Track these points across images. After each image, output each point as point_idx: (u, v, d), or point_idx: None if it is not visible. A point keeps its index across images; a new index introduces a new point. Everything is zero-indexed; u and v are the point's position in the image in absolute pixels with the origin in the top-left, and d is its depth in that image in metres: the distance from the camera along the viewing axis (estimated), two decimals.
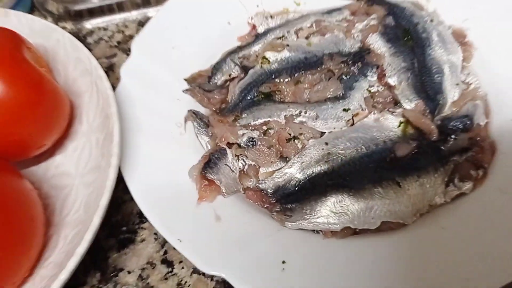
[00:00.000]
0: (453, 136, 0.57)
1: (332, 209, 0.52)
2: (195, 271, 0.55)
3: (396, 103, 0.60)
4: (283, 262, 0.48)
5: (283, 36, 0.67)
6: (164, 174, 0.55)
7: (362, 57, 0.62)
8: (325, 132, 0.58)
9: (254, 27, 0.69)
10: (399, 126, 0.58)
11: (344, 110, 0.59)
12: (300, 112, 0.59)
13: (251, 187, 0.55)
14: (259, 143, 0.57)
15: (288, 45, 0.64)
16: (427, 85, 0.60)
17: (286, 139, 0.57)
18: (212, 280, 0.54)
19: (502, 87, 0.60)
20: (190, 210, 0.52)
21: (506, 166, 0.54)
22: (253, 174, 0.56)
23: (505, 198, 0.52)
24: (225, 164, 0.56)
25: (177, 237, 0.49)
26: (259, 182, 0.55)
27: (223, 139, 0.57)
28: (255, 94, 0.61)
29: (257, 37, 0.68)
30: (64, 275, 0.44)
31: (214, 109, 0.62)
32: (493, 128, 0.59)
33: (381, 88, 0.61)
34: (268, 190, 0.55)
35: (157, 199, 0.52)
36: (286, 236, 0.51)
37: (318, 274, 0.48)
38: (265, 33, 0.68)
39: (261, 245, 0.50)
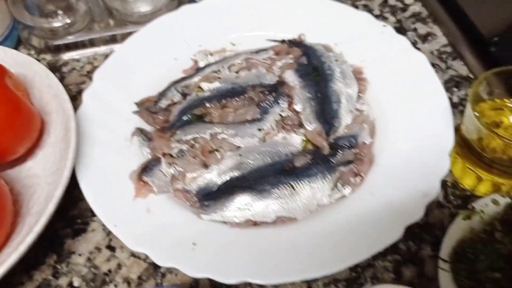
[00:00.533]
0: (340, 151, 0.72)
1: (238, 206, 0.67)
2: (133, 255, 0.70)
3: (301, 125, 0.76)
4: (194, 244, 0.63)
5: (218, 70, 0.82)
6: (111, 176, 0.69)
7: (276, 89, 0.78)
8: (241, 147, 0.73)
9: (196, 62, 0.85)
10: (302, 143, 0.74)
11: (259, 129, 0.74)
12: (222, 130, 0.74)
13: (179, 189, 0.70)
14: (187, 154, 0.72)
15: (220, 78, 0.80)
16: (326, 112, 0.76)
17: (209, 151, 0.72)
18: (145, 261, 0.68)
19: (386, 115, 0.76)
20: (127, 204, 0.67)
21: (378, 175, 0.69)
22: (181, 179, 0.71)
23: (373, 199, 0.67)
24: (159, 170, 0.71)
25: (114, 223, 0.64)
26: (186, 185, 0.70)
27: (160, 150, 0.72)
28: (189, 116, 0.76)
29: (198, 70, 0.83)
30: (22, 247, 0.59)
31: (158, 127, 0.78)
32: (376, 146, 0.74)
33: (290, 114, 0.76)
34: (192, 191, 0.70)
35: (102, 194, 0.67)
36: (200, 226, 0.66)
37: (223, 254, 0.62)
38: (204, 67, 0.83)
39: (179, 231, 0.64)
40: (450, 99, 0.79)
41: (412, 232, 0.70)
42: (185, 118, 0.76)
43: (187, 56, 0.85)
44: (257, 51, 0.85)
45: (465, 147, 0.72)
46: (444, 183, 0.75)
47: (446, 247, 0.65)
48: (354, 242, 0.62)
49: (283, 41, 0.87)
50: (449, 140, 0.70)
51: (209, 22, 0.88)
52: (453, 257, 0.64)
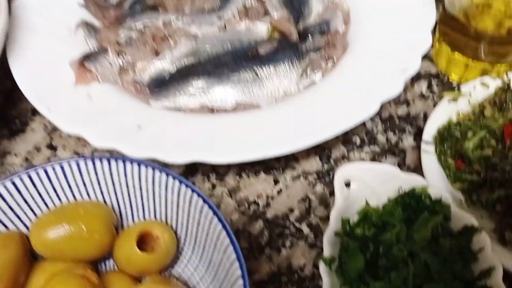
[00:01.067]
0: (310, 38, 0.64)
1: (192, 92, 0.59)
2: (76, 152, 0.61)
3: (267, 14, 0.67)
4: (139, 126, 0.54)
5: None
6: (49, 64, 0.61)
7: None
8: (198, 35, 0.65)
9: None
10: (267, 31, 0.65)
11: (218, 17, 0.66)
12: (177, 18, 0.65)
13: (129, 81, 0.62)
14: (136, 41, 0.63)
15: None
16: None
17: (161, 38, 0.63)
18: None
19: (360, 3, 0.67)
20: (65, 90, 0.58)
21: (352, 58, 0.61)
22: (131, 70, 0.62)
23: (346, 81, 0.59)
24: (105, 58, 0.62)
25: (47, 106, 0.55)
26: (135, 75, 0.62)
27: (107, 41, 0.64)
28: (141, 6, 0.68)
29: None
30: None
31: (107, 23, 0.69)
32: (350, 34, 0.66)
33: (255, 4, 0.68)
34: (143, 82, 0.61)
35: (36, 79, 0.58)
36: (149, 111, 0.58)
37: (172, 136, 0.54)
38: None
39: (123, 115, 0.56)
40: None
41: (393, 123, 0.63)
42: (136, 9, 0.67)
43: None
44: None
45: (449, 26, 0.64)
46: (428, 75, 0.67)
47: (430, 129, 0.57)
48: (323, 120, 0.54)
49: None
50: (431, 15, 0.62)
51: None
52: (438, 138, 0.56)
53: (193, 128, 0.55)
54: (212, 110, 0.59)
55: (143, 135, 0.54)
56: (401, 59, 0.59)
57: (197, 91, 0.59)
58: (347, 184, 0.50)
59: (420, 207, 0.48)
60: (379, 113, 0.62)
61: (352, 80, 0.58)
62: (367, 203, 0.50)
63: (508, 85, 0.60)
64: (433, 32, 0.61)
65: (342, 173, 0.50)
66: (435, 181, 0.53)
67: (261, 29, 0.66)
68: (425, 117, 0.63)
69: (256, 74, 0.60)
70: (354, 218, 0.50)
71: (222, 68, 0.60)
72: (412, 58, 0.58)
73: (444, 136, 0.55)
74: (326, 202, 0.56)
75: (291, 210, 0.56)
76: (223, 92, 0.59)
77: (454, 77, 0.66)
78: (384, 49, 0.61)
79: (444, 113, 0.58)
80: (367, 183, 0.51)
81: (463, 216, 0.48)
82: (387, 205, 0.49)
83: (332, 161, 0.60)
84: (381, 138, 0.61)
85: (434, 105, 0.64)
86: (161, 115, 0.57)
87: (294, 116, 0.56)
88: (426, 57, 0.68)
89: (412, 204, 0.48)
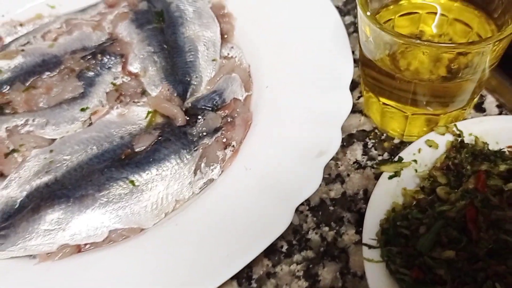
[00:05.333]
0: (201, 117, 0.49)
1: (46, 227, 0.43)
2: None
3: (145, 92, 0.52)
4: None
5: (27, 42, 0.58)
6: None
7: (103, 49, 0.54)
8: (56, 139, 0.49)
9: (1, 38, 0.60)
10: (146, 117, 0.50)
11: (82, 109, 0.50)
12: (26, 121, 0.49)
13: None
14: None
15: (23, 50, 0.55)
16: (177, 67, 0.53)
17: (4, 154, 0.47)
18: None
19: (260, 55, 0.53)
20: None
21: (256, 140, 0.46)
22: None
23: (251, 175, 0.44)
24: None
25: None
26: None
27: None
28: None
29: (2, 48, 0.59)
30: None
31: None
32: (254, 100, 0.51)
33: (127, 79, 0.53)
34: None
35: None
36: None
37: None
38: (10, 43, 0.59)
39: None
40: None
41: (326, 211, 0.48)
42: None
43: None
44: (83, 9, 0.61)
45: (375, 77, 0.49)
46: (361, 135, 0.53)
47: (370, 226, 0.42)
48: (233, 238, 0.39)
49: None
50: (348, 70, 0.47)
51: None
52: (382, 240, 0.41)
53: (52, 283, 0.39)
54: (78, 249, 0.43)
55: None
56: (315, 134, 0.44)
57: (52, 226, 0.43)
58: None
59: None
60: (306, 200, 0.47)
61: (259, 176, 0.43)
62: None
63: (461, 139, 0.46)
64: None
65: None
66: None
67: (139, 115, 0.50)
68: (366, 195, 0.48)
69: (132, 183, 0.45)
70: None
71: (86, 187, 0.44)
72: (330, 134, 0.43)
73: (390, 235, 0.41)
74: None
75: None
76: (90, 222, 0.43)
77: (393, 133, 0.52)
78: (294, 121, 0.46)
79: (385, 195, 0.44)
80: None
81: None
82: None
83: (254, 282, 0.44)
84: (314, 237, 0.47)
85: (376, 176, 0.49)
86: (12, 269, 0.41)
87: (195, 235, 0.41)
88: (355, 109, 0.54)
89: None
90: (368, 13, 0.42)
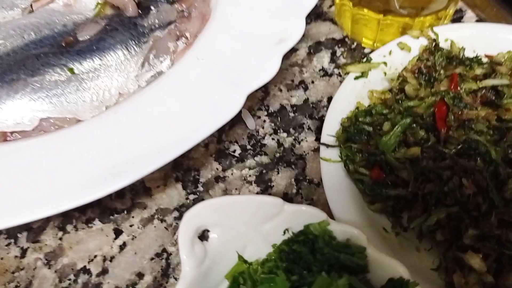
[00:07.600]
0: (153, 9, 0.44)
1: None
2: None
3: None
4: None
5: None
6: None
7: None
8: None
9: None
10: (95, 8, 0.45)
11: None
12: None
13: None
14: None
15: None
16: None
17: None
18: None
19: None
20: None
21: (213, 31, 0.42)
22: None
23: (203, 66, 0.39)
24: None
25: None
26: None
27: None
28: None
29: None
30: None
31: None
32: None
33: None
34: None
35: None
36: None
37: None
38: None
39: None
40: None
41: (286, 117, 0.44)
42: None
43: None
44: None
45: None
46: (330, 43, 0.48)
47: (331, 125, 0.38)
48: (176, 128, 0.36)
49: None
50: None
51: None
52: (342, 137, 0.37)
53: None
54: (4, 137, 0.38)
55: None
56: (278, 21, 0.40)
57: None
58: (203, 236, 0.31)
59: (317, 258, 0.30)
60: (265, 105, 0.43)
61: (212, 64, 0.39)
62: (240, 259, 0.31)
63: (436, 43, 0.42)
64: None
65: (190, 221, 0.31)
66: (342, 205, 0.35)
67: (87, 6, 0.45)
68: (330, 102, 0.44)
69: (71, 71, 0.40)
70: (222, 285, 0.31)
71: (17, 72, 0.39)
72: (293, 23, 0.39)
73: (351, 132, 0.37)
74: None
75: (141, 276, 0.36)
76: (18, 107, 0.38)
77: (365, 42, 0.48)
78: (257, 11, 0.42)
79: (350, 96, 0.40)
80: (235, 228, 0.32)
81: (386, 263, 0.30)
82: (268, 261, 0.31)
83: (201, 186, 0.40)
84: (270, 142, 0.43)
85: None
86: None
87: (135, 128, 0.36)
88: (326, 17, 0.49)
89: (303, 254, 0.30)
90: None
